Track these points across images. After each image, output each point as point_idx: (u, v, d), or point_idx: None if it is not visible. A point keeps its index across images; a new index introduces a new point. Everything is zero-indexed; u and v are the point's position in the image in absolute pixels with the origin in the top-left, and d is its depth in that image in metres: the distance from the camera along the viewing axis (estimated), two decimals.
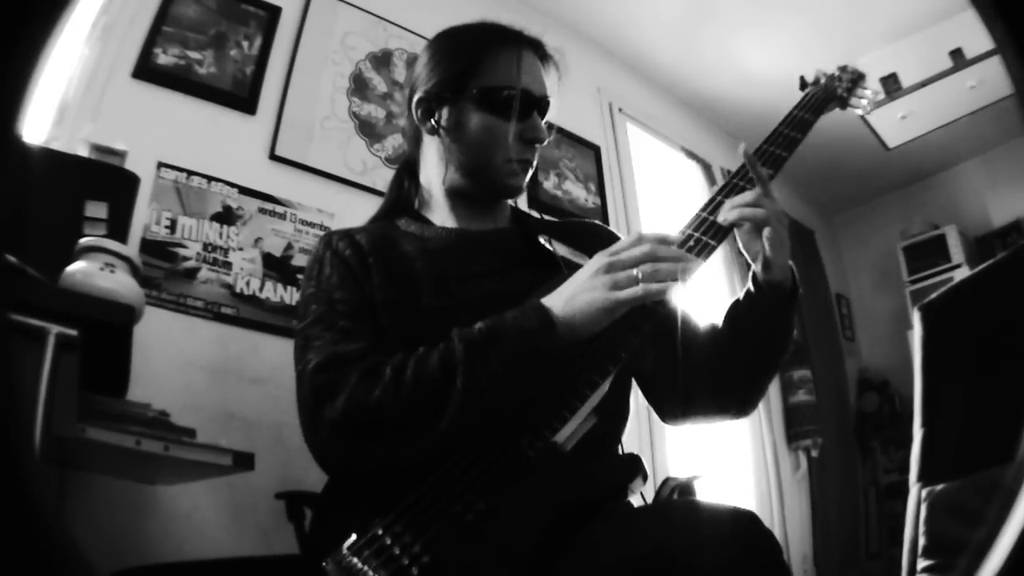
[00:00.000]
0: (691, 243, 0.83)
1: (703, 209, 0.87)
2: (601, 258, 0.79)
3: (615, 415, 0.91)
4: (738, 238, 0.88)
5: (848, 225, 4.38)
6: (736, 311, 0.93)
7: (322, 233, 1.92)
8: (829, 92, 1.08)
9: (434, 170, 1.03)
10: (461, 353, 0.75)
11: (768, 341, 0.92)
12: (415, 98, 1.01)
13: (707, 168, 3.41)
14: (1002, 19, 0.35)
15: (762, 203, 0.84)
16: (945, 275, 3.53)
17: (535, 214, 1.17)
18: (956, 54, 2.87)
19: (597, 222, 1.16)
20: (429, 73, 1.01)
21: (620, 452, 0.93)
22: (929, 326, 1.27)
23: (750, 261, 0.89)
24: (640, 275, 0.75)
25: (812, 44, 3.04)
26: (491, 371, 0.75)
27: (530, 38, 1.02)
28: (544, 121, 1.00)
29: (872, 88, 1.11)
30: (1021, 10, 0.35)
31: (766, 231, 0.83)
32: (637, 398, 1.00)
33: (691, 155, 3.38)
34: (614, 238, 1.09)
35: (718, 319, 0.96)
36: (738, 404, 0.96)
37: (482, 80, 0.96)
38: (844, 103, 1.10)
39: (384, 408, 0.75)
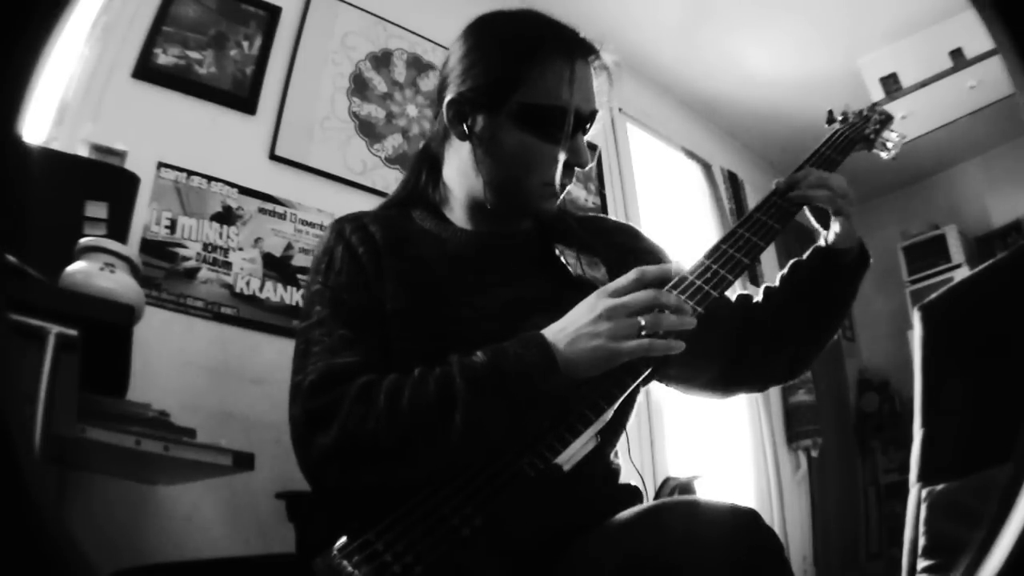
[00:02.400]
0: (708, 275, 0.82)
1: (723, 241, 0.87)
2: (601, 300, 0.75)
3: (615, 432, 0.90)
4: (808, 212, 0.95)
5: None
6: (802, 267, 0.98)
7: (322, 233, 1.92)
8: (858, 133, 1.07)
9: (459, 175, 0.96)
10: (462, 388, 0.73)
11: (832, 301, 0.97)
12: (447, 98, 0.92)
13: (707, 168, 3.41)
14: (1002, 19, 0.35)
15: (830, 184, 0.92)
16: (945, 275, 3.53)
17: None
18: (956, 54, 2.87)
19: (620, 221, 1.14)
20: (465, 72, 0.91)
21: (614, 459, 0.94)
22: (929, 326, 1.27)
23: (819, 228, 0.97)
24: (643, 322, 0.73)
25: (812, 44, 3.05)
26: (492, 408, 0.73)
27: (586, 45, 0.92)
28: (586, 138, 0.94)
29: (898, 132, 1.10)
30: (1021, 10, 0.35)
31: (844, 214, 0.93)
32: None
33: (691, 155, 3.38)
34: (632, 233, 1.08)
35: (759, 292, 1.02)
36: (787, 369, 1.01)
37: (526, 94, 0.87)
38: (871, 145, 1.09)
39: (378, 438, 0.74)
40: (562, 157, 0.88)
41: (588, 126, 0.92)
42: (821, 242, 0.98)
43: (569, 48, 0.89)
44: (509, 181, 0.91)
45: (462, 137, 0.92)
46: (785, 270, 1.00)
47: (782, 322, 0.97)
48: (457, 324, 0.85)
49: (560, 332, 0.76)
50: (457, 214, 0.98)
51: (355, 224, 0.94)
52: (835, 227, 0.93)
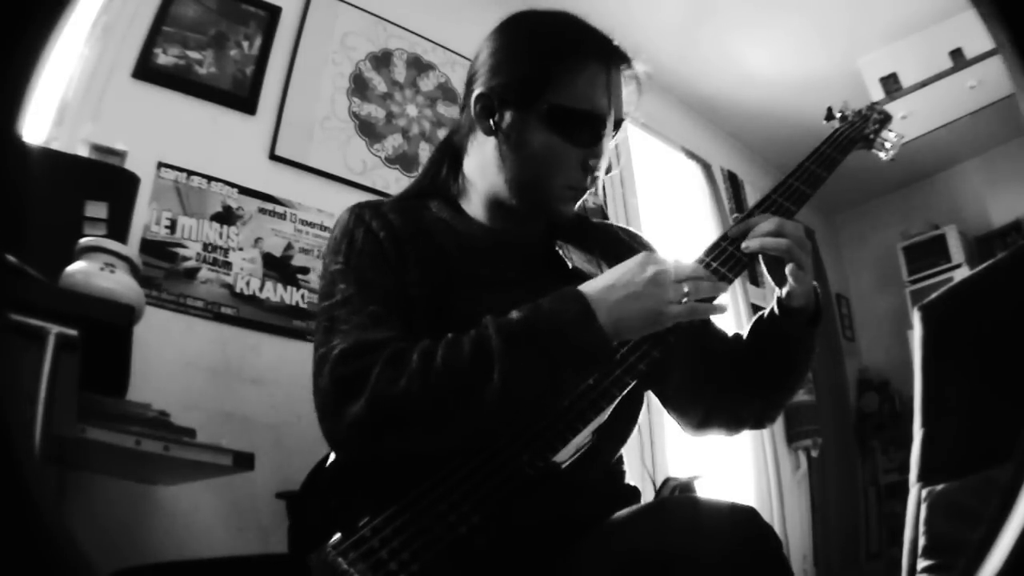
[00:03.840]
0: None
1: (723, 238, 0.86)
2: (648, 266, 0.76)
3: (617, 435, 0.89)
4: (761, 262, 0.87)
5: (848, 225, 4.38)
6: (759, 329, 0.93)
7: (322, 233, 1.93)
8: (858, 132, 1.05)
9: (481, 170, 0.95)
10: (499, 344, 0.71)
11: (788, 363, 0.92)
12: (476, 91, 0.91)
13: (707, 168, 3.41)
14: (1002, 19, 0.35)
15: (784, 231, 0.83)
16: (945, 275, 3.53)
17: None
18: (956, 54, 2.87)
19: (629, 228, 1.13)
20: (497, 67, 0.90)
21: (618, 466, 0.94)
22: (929, 326, 1.27)
23: (774, 285, 0.89)
24: (686, 289, 0.75)
25: (812, 44, 3.05)
26: (531, 365, 0.71)
27: (621, 52, 0.91)
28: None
29: (897, 132, 1.08)
30: (1021, 10, 0.35)
31: (789, 266, 0.83)
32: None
33: (691, 155, 3.38)
34: (640, 242, 1.07)
35: (742, 331, 0.97)
36: (755, 418, 0.97)
37: (557, 95, 0.86)
38: (870, 145, 1.08)
39: (411, 399, 0.70)
40: (587, 161, 0.88)
41: (615, 133, 0.91)
42: (774, 302, 0.91)
43: (607, 54, 0.89)
44: (532, 180, 0.90)
45: (488, 132, 0.91)
46: (751, 322, 0.96)
47: (746, 377, 0.93)
48: (470, 320, 0.84)
49: (606, 290, 0.75)
50: (475, 208, 0.97)
51: (374, 210, 0.92)
52: (790, 280, 0.85)
